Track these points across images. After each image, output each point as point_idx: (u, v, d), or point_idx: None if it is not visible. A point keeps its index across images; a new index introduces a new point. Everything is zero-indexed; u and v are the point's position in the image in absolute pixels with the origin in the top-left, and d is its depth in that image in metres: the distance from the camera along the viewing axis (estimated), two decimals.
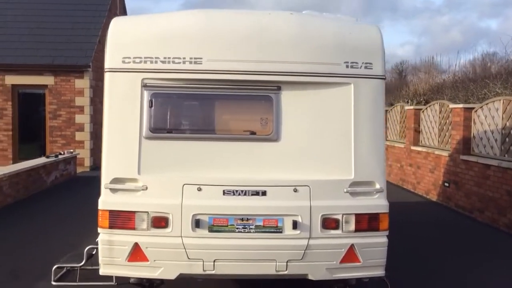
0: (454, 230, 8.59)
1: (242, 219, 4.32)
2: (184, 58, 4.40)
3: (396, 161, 14.14)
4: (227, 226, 4.32)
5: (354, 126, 4.51)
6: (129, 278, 4.50)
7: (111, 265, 4.42)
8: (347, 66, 4.53)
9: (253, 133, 4.48)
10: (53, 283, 5.44)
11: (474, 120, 9.90)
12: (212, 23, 4.55)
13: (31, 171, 11.14)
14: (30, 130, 16.03)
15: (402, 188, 13.22)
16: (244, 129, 4.50)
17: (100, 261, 4.43)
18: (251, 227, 4.33)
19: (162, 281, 4.65)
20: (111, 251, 4.38)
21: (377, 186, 4.51)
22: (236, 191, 4.33)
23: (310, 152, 4.49)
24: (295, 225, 4.35)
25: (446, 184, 10.63)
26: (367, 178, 4.50)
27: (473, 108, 9.98)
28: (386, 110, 15.28)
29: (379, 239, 4.52)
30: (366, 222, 4.47)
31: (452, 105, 10.70)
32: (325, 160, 4.49)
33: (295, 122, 4.51)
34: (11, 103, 15.56)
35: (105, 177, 4.37)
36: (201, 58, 4.40)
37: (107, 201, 4.36)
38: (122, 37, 4.49)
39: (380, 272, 4.61)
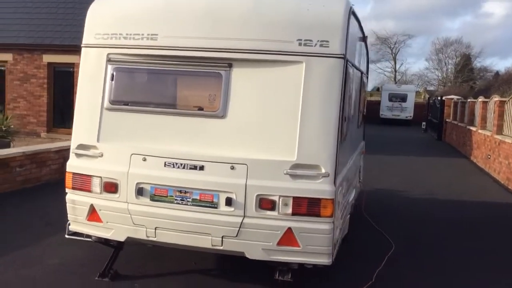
0: None
1: (180, 191, 4.45)
2: (142, 34, 4.63)
3: (505, 158, 12.70)
4: (166, 196, 4.49)
5: (302, 106, 4.33)
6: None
7: (76, 223, 4.89)
8: (299, 44, 4.34)
9: (200, 109, 4.55)
10: (67, 236, 6.12)
11: None
12: (170, 1, 4.70)
13: None
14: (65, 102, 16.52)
15: (508, 190, 11.83)
16: (194, 105, 4.59)
17: (68, 218, 4.92)
18: (188, 200, 4.44)
19: (119, 243, 4.96)
20: (75, 210, 4.84)
21: (323, 170, 4.29)
22: (176, 164, 4.47)
23: (254, 131, 4.43)
24: (229, 202, 4.35)
25: None
26: (311, 161, 4.30)
27: None
28: (504, 101, 13.74)
29: (321, 226, 4.30)
30: (305, 207, 4.29)
31: None
32: (269, 139, 4.39)
33: (243, 100, 4.48)
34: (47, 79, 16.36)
35: (72, 143, 4.82)
36: (156, 35, 4.59)
37: (71, 164, 4.82)
38: (95, 17, 4.87)
39: (324, 260, 4.40)
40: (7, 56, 16.63)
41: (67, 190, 4.85)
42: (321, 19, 4.39)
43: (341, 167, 4.86)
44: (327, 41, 4.33)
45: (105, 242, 4.93)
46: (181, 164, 4.46)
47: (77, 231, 4.94)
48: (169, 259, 5.54)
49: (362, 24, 6.15)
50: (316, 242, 4.34)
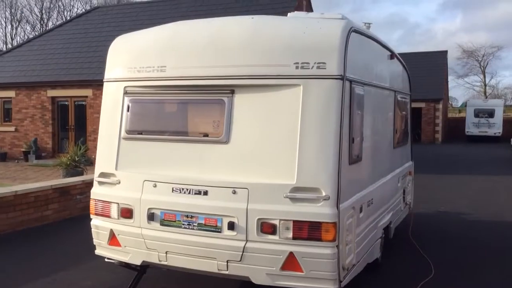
0: None
1: (187, 216, 4.58)
2: (153, 67, 4.88)
3: None
4: (175, 221, 4.63)
5: (300, 129, 4.32)
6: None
7: (100, 247, 5.17)
8: (297, 67, 4.37)
9: (206, 135, 4.68)
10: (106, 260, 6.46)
11: None
12: (177, 33, 4.94)
13: None
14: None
15: None
16: (199, 132, 4.73)
17: (94, 243, 5.22)
18: (194, 224, 4.55)
19: (141, 267, 5.15)
20: (98, 234, 5.12)
21: (323, 193, 4.23)
22: (182, 189, 4.61)
23: (256, 155, 4.48)
24: (231, 226, 4.41)
25: None
26: (312, 184, 4.26)
27: None
28: None
29: (323, 250, 4.22)
30: (306, 231, 4.24)
31: None
32: (269, 163, 4.42)
33: (245, 125, 4.55)
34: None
35: (96, 171, 5.14)
36: (165, 66, 4.82)
37: (94, 191, 5.13)
38: (114, 54, 5.23)
39: (329, 286, 4.30)
40: (88, 92, 17.94)
41: (91, 216, 5.16)
42: (317, 42, 4.39)
43: (353, 189, 4.75)
44: (324, 63, 4.31)
45: (126, 265, 5.15)
46: (187, 189, 4.59)
47: (101, 255, 5.21)
48: (192, 282, 5.65)
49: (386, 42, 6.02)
50: (319, 267, 4.26)
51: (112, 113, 5.11)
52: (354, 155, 4.71)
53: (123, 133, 5.01)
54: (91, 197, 5.14)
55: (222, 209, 4.45)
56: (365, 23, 5.86)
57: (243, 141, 4.54)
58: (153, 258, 4.78)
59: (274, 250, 4.31)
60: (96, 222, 5.12)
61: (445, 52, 37.77)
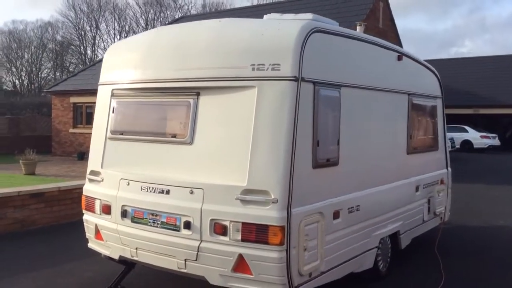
0: None
1: (152, 214, 4.73)
2: (135, 70, 5.12)
3: None
4: (143, 219, 4.80)
5: (253, 131, 4.30)
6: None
7: (90, 241, 5.50)
8: (253, 69, 4.36)
9: (174, 136, 4.80)
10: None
11: None
12: (155, 38, 5.15)
13: None
14: None
15: None
16: (169, 133, 4.85)
17: (86, 236, 5.56)
18: (158, 222, 4.69)
19: (129, 263, 5.35)
20: (88, 229, 5.45)
21: (272, 196, 4.16)
22: (149, 188, 4.77)
23: (214, 156, 4.52)
24: (187, 225, 4.48)
25: None
26: (261, 186, 4.21)
27: None
28: None
29: (270, 254, 4.15)
30: (254, 233, 4.20)
31: None
32: (225, 164, 4.44)
33: (207, 127, 4.61)
34: None
35: (88, 169, 5.47)
36: (144, 70, 5.03)
37: (85, 188, 5.46)
38: (106, 59, 5.56)
39: None
40: None
41: (84, 211, 5.50)
42: (273, 43, 4.35)
43: (321, 194, 4.60)
44: (278, 64, 4.26)
45: (111, 259, 5.40)
46: (153, 188, 4.75)
47: (92, 248, 5.53)
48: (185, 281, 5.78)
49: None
50: (267, 271, 4.20)
51: (101, 114, 5.42)
52: (320, 158, 4.57)
53: (108, 133, 5.29)
54: (83, 193, 5.48)
55: (180, 209, 4.54)
56: (359, 23, 5.64)
57: (205, 143, 4.60)
58: (127, 254, 5.00)
59: (225, 251, 4.32)
60: (85, 217, 5.45)
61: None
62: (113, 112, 5.29)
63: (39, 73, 52.97)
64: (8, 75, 52.11)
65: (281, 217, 4.13)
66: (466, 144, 28.15)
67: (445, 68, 33.14)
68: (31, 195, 8.17)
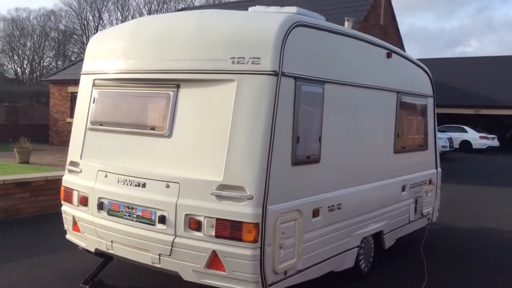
0: None
1: (128, 207, 4.66)
2: (116, 60, 5.03)
3: None
4: (119, 211, 4.73)
5: (231, 125, 4.22)
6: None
7: (69, 232, 5.43)
8: (233, 62, 4.27)
9: (153, 128, 4.72)
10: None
11: None
12: (136, 28, 5.05)
13: None
14: None
15: None
16: (148, 125, 4.77)
17: (64, 228, 5.49)
18: (133, 216, 4.62)
19: (103, 255, 5.29)
20: (66, 220, 5.39)
21: (247, 192, 4.09)
22: (125, 180, 4.70)
23: (191, 150, 4.44)
24: (162, 220, 4.41)
25: None
26: (237, 182, 4.13)
27: None
28: None
29: (243, 251, 4.08)
30: (228, 230, 4.13)
31: None
32: (202, 159, 4.36)
33: (186, 120, 4.53)
34: None
35: (67, 160, 5.40)
36: (124, 60, 4.94)
37: (64, 179, 5.39)
38: (89, 49, 5.47)
39: None
40: None
41: (62, 202, 5.42)
42: (254, 36, 4.26)
43: (300, 192, 4.52)
44: (259, 58, 4.17)
45: (88, 252, 5.34)
46: (129, 181, 4.67)
47: (70, 240, 5.46)
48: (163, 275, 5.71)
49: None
50: (240, 269, 4.13)
51: (83, 104, 5.33)
52: (300, 155, 4.49)
53: (88, 124, 5.21)
54: (62, 183, 5.41)
55: (156, 202, 4.47)
56: (347, 18, 5.54)
57: (183, 136, 4.52)
58: (103, 247, 4.93)
59: (199, 247, 4.25)
60: (64, 208, 5.38)
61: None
62: (93, 103, 5.21)
63: (41, 61, 52.87)
64: (10, 63, 52.07)
65: (255, 214, 4.05)
66: (465, 144, 28.05)
67: (447, 67, 33.06)
68: (17, 184, 8.11)
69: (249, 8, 4.97)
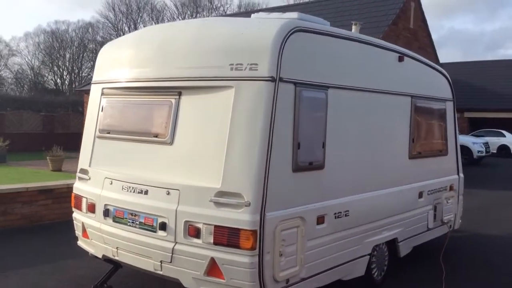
0: None
1: (131, 214, 4.69)
2: (123, 69, 5.10)
3: None
4: (123, 218, 4.77)
5: (229, 132, 4.19)
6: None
7: (80, 239, 5.51)
8: (231, 69, 4.25)
9: (156, 136, 4.74)
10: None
11: None
12: (140, 38, 5.13)
13: None
14: None
15: None
16: (152, 132, 4.79)
17: (76, 234, 5.58)
18: (137, 222, 4.65)
19: (113, 262, 5.33)
20: (77, 227, 5.47)
21: (245, 199, 4.05)
22: (129, 187, 4.74)
23: (192, 157, 4.44)
24: (163, 226, 4.42)
25: None
26: (235, 189, 4.10)
27: None
28: None
29: (241, 258, 4.04)
30: (226, 237, 4.09)
31: None
32: (201, 166, 4.35)
33: (187, 127, 4.54)
34: None
35: (78, 167, 5.49)
36: (130, 69, 5.01)
37: (74, 186, 5.48)
38: (99, 59, 5.58)
39: None
40: None
41: (73, 209, 5.51)
42: (252, 42, 4.24)
43: (302, 198, 4.45)
44: (256, 64, 4.15)
45: (97, 258, 5.39)
46: (133, 188, 4.71)
47: (81, 246, 5.54)
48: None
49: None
50: (239, 276, 4.09)
51: (92, 113, 5.43)
52: (301, 161, 4.42)
53: (97, 132, 5.29)
54: (73, 191, 5.50)
55: (157, 209, 4.48)
56: (354, 22, 5.44)
57: (184, 143, 4.53)
58: (109, 253, 4.98)
59: (198, 254, 4.23)
60: (74, 215, 5.47)
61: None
62: (102, 111, 5.29)
63: (80, 72, 54.29)
64: (50, 74, 53.67)
65: (253, 220, 4.01)
66: (503, 149, 27.15)
67: (486, 70, 32.17)
68: (40, 191, 8.31)
69: (252, 15, 4.96)
